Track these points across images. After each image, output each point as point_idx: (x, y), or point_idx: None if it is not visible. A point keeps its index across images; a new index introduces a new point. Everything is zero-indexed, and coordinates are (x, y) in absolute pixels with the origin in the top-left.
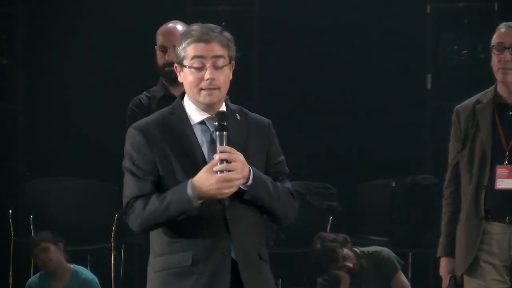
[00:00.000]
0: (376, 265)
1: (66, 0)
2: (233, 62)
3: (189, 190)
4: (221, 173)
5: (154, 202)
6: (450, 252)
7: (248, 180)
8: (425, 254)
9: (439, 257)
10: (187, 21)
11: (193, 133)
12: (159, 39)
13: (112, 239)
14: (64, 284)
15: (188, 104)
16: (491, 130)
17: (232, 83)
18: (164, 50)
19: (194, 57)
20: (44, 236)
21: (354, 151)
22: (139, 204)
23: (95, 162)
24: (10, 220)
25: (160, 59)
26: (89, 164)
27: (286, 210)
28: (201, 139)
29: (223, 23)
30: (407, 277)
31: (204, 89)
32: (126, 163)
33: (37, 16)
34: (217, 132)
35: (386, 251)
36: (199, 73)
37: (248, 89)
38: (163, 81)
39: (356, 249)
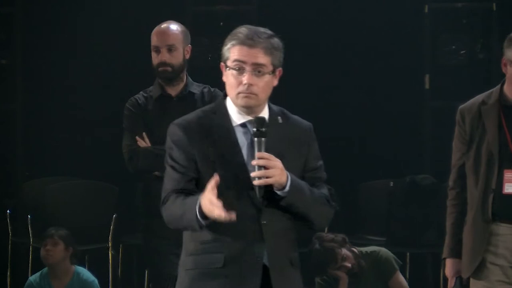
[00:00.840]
0: (375, 265)
1: (65, 0)
2: (279, 69)
3: (198, 209)
4: (258, 179)
5: (176, 207)
6: (456, 253)
7: (285, 187)
8: (423, 254)
9: (445, 258)
10: (186, 20)
11: (235, 135)
12: (153, 39)
13: (110, 239)
14: (65, 284)
15: (230, 105)
16: (497, 133)
17: None
18: (157, 50)
19: (236, 59)
20: (61, 232)
21: (353, 151)
22: (169, 201)
23: (93, 162)
24: (8, 220)
25: (154, 59)
26: (88, 164)
27: (321, 216)
28: (242, 141)
29: (221, 23)
30: (405, 277)
31: (241, 93)
32: (167, 159)
33: (36, 16)
34: (256, 138)
35: (384, 251)
36: (238, 76)
37: None
38: (159, 81)
39: (355, 249)
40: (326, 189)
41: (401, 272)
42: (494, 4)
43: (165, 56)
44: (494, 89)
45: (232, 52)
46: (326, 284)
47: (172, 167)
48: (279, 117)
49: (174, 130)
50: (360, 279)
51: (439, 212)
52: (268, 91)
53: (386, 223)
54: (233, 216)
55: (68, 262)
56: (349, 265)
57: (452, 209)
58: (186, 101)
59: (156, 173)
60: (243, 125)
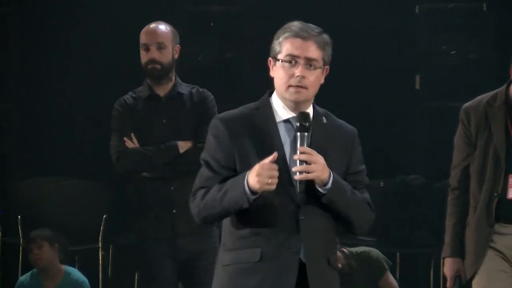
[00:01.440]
0: (365, 265)
1: (60, 1)
2: (327, 67)
3: (245, 182)
4: (300, 174)
5: (213, 191)
6: (458, 253)
7: (327, 184)
8: (413, 255)
9: (444, 258)
10: (177, 21)
11: (277, 131)
12: (142, 38)
13: (100, 239)
14: (56, 285)
15: (276, 101)
16: (504, 137)
17: (224, 83)
18: (147, 48)
19: (289, 52)
20: (42, 233)
21: None
22: (200, 193)
23: (84, 163)
24: None
25: (143, 57)
26: (78, 165)
27: (362, 220)
28: (284, 137)
29: (212, 23)
30: (395, 277)
31: (292, 86)
32: (204, 153)
33: (31, 16)
34: (299, 133)
35: (374, 251)
36: (290, 69)
37: (241, 90)
38: (148, 81)
39: (345, 250)
40: (367, 194)
41: (391, 272)
42: (484, 5)
43: (154, 54)
44: (499, 90)
45: (284, 45)
46: None
47: (207, 164)
48: (323, 117)
49: (216, 125)
50: (351, 279)
51: (430, 212)
52: (317, 87)
53: (376, 223)
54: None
55: (58, 261)
56: (339, 265)
57: (454, 208)
58: (175, 101)
59: (145, 174)
60: (286, 121)
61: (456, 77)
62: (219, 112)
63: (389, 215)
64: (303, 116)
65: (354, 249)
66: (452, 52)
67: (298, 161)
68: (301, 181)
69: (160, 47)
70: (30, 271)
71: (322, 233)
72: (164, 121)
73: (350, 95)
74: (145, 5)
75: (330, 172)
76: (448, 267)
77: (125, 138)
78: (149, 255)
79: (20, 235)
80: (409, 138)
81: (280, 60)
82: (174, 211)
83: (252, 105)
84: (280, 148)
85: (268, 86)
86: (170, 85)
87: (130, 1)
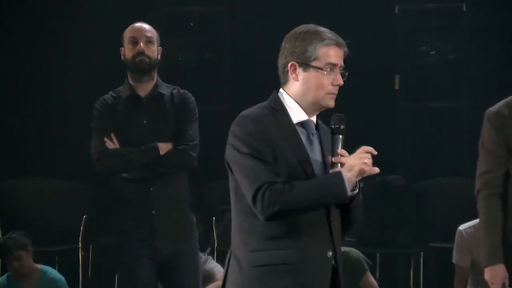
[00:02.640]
0: (345, 265)
1: (60, 1)
2: (346, 73)
3: (347, 183)
4: None
5: (303, 190)
6: (501, 260)
7: (356, 187)
8: (393, 255)
9: (487, 267)
10: (158, 21)
11: (297, 132)
12: (129, 33)
13: (80, 240)
14: (32, 284)
15: (290, 103)
16: None
17: (204, 84)
18: (135, 41)
19: (330, 60)
20: (18, 243)
21: None
22: (280, 189)
23: (64, 163)
24: None
25: (130, 51)
26: (58, 165)
27: (359, 222)
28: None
29: (192, 24)
30: (375, 277)
31: (330, 93)
32: (246, 149)
33: (31, 16)
34: (335, 136)
35: (354, 251)
36: (330, 76)
37: (220, 90)
38: (130, 81)
39: None
40: None
41: (371, 272)
42: (464, 5)
43: (143, 47)
44: None
45: (323, 52)
46: None
47: (257, 158)
48: (319, 121)
49: (246, 122)
50: None
51: (410, 212)
52: None
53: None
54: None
55: (32, 261)
56: None
57: (495, 214)
58: (156, 102)
59: (124, 175)
60: (300, 123)
61: (436, 78)
62: (200, 114)
63: (369, 215)
64: (339, 118)
65: None
66: (432, 53)
67: (335, 164)
68: None
69: (149, 41)
70: (6, 274)
71: (340, 237)
72: (144, 121)
73: None
74: (125, 6)
75: None
76: (492, 275)
77: (105, 139)
78: (129, 256)
79: (2, 239)
80: (388, 138)
81: (322, 68)
82: (153, 212)
83: (266, 105)
84: (304, 150)
85: (249, 86)
86: (152, 84)
87: (112, 1)
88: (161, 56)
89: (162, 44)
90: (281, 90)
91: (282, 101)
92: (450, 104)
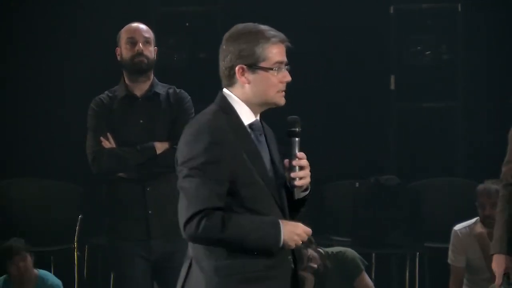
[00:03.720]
0: (340, 265)
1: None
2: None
3: (281, 236)
4: (299, 179)
5: (236, 231)
6: (507, 250)
7: (307, 189)
8: (389, 255)
9: (493, 254)
10: (152, 21)
11: (250, 134)
12: (127, 33)
13: (75, 240)
14: None
15: (239, 105)
16: None
17: (198, 83)
18: (134, 42)
19: (278, 59)
20: (23, 245)
21: (318, 152)
22: (217, 223)
23: (58, 163)
24: None
25: (128, 52)
26: (53, 165)
27: None
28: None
29: (187, 24)
30: (371, 277)
31: (280, 91)
32: (195, 165)
33: (31, 16)
34: (292, 138)
35: (350, 251)
36: (279, 75)
37: (214, 90)
38: (126, 81)
39: (321, 250)
40: None
41: (366, 272)
42: (459, 5)
43: (142, 47)
44: None
45: (271, 51)
46: None
47: (206, 175)
48: (262, 121)
49: (204, 131)
50: (326, 279)
51: (405, 212)
52: None
53: (351, 223)
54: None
55: (33, 267)
56: (315, 265)
57: (507, 205)
58: (152, 101)
59: (121, 174)
60: (249, 125)
61: (431, 78)
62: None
63: (364, 215)
64: (296, 121)
65: (329, 250)
66: (427, 53)
67: (295, 167)
68: (299, 187)
69: (147, 41)
70: (3, 277)
71: None
72: (140, 121)
73: (324, 95)
74: (120, 5)
75: None
76: (497, 263)
77: (101, 138)
78: (124, 256)
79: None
80: (383, 138)
81: (273, 68)
82: (149, 211)
83: (215, 108)
84: (259, 153)
85: None
86: (148, 84)
87: (105, 1)
88: (156, 56)
89: (157, 43)
90: (227, 91)
91: (232, 104)
92: (445, 104)
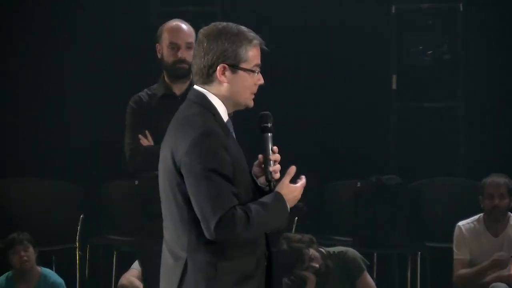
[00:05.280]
0: (342, 265)
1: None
2: None
3: (287, 207)
4: (275, 173)
5: (260, 217)
6: None
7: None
8: (390, 255)
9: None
10: (153, 21)
11: (233, 135)
12: (167, 36)
13: (77, 239)
14: (32, 287)
15: (218, 103)
16: None
17: None
18: (176, 47)
19: (257, 62)
20: (27, 236)
21: (319, 151)
22: (241, 215)
23: (60, 163)
24: None
25: (170, 56)
26: (54, 165)
27: None
28: None
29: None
30: (372, 277)
31: (253, 93)
32: (212, 164)
33: (31, 16)
34: (265, 134)
35: (351, 251)
36: (255, 78)
37: None
38: (166, 79)
39: (322, 250)
40: None
41: (368, 272)
42: (460, 5)
43: (184, 54)
44: None
45: (252, 54)
46: (294, 284)
47: (223, 176)
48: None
49: (212, 133)
50: (328, 279)
51: (406, 212)
52: None
53: (353, 223)
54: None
55: (35, 262)
56: (317, 265)
57: None
58: None
59: (156, 172)
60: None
61: (432, 77)
62: None
63: (365, 215)
64: (268, 117)
65: (331, 249)
66: (429, 52)
67: (271, 162)
68: (276, 181)
69: (189, 46)
70: (5, 275)
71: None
72: None
73: (326, 95)
74: (120, 5)
75: None
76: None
77: (140, 136)
78: (156, 255)
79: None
80: (385, 138)
81: (251, 70)
82: None
83: (200, 108)
84: (241, 152)
85: None
86: (187, 83)
87: (107, 1)
88: None
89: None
90: (203, 90)
91: (212, 102)
92: (446, 104)
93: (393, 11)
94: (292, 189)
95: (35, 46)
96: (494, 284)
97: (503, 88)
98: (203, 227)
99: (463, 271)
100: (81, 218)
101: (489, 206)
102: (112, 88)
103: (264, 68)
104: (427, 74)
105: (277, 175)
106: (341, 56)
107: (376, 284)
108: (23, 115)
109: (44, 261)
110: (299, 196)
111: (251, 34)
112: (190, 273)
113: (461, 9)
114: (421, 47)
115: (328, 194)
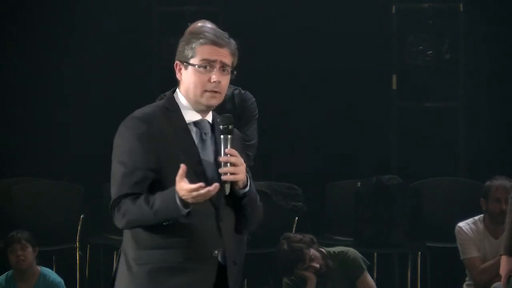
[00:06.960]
0: (342, 265)
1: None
2: (234, 71)
3: (178, 198)
4: (229, 175)
5: (141, 206)
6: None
7: (246, 186)
8: (390, 255)
9: (501, 255)
10: (153, 20)
11: (189, 132)
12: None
13: (77, 239)
14: (31, 286)
15: (184, 102)
16: None
17: None
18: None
19: (205, 58)
20: (26, 235)
21: (320, 151)
22: (126, 205)
23: (60, 163)
24: None
25: None
26: (54, 165)
27: (259, 215)
28: (195, 140)
29: (188, 23)
30: (373, 277)
31: (208, 91)
32: (120, 155)
33: (31, 16)
34: (223, 136)
35: (352, 251)
36: (206, 74)
37: None
38: None
39: (323, 250)
40: (253, 185)
41: (368, 272)
42: (461, 5)
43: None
44: None
45: (200, 50)
46: (294, 284)
47: (125, 165)
48: (218, 120)
49: (136, 124)
50: (328, 279)
51: (406, 212)
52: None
53: (353, 223)
54: (216, 185)
55: (35, 263)
56: (317, 265)
57: None
58: None
59: None
60: (194, 123)
61: (433, 77)
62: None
63: (365, 215)
64: (228, 119)
65: (331, 249)
66: (429, 52)
67: (222, 163)
68: (227, 183)
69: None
70: (5, 274)
71: (236, 235)
72: None
73: (327, 95)
74: (121, 5)
75: (247, 174)
76: (502, 265)
77: None
78: None
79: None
80: (385, 138)
81: (196, 66)
82: None
83: (160, 104)
84: (195, 150)
85: (242, 85)
86: None
87: (105, 1)
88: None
89: (157, 44)
90: (177, 89)
91: (177, 100)
92: (447, 103)
93: (393, 11)
94: (183, 191)
95: (35, 46)
96: (495, 284)
97: (503, 88)
98: None
99: (483, 266)
100: (81, 218)
101: (496, 209)
102: (112, 88)
103: (264, 68)
104: (428, 74)
105: (227, 177)
106: (341, 56)
107: (377, 284)
108: (23, 115)
109: (44, 261)
110: (190, 198)
111: (205, 33)
112: (121, 263)
113: (461, 9)
114: (421, 47)
115: (328, 194)
